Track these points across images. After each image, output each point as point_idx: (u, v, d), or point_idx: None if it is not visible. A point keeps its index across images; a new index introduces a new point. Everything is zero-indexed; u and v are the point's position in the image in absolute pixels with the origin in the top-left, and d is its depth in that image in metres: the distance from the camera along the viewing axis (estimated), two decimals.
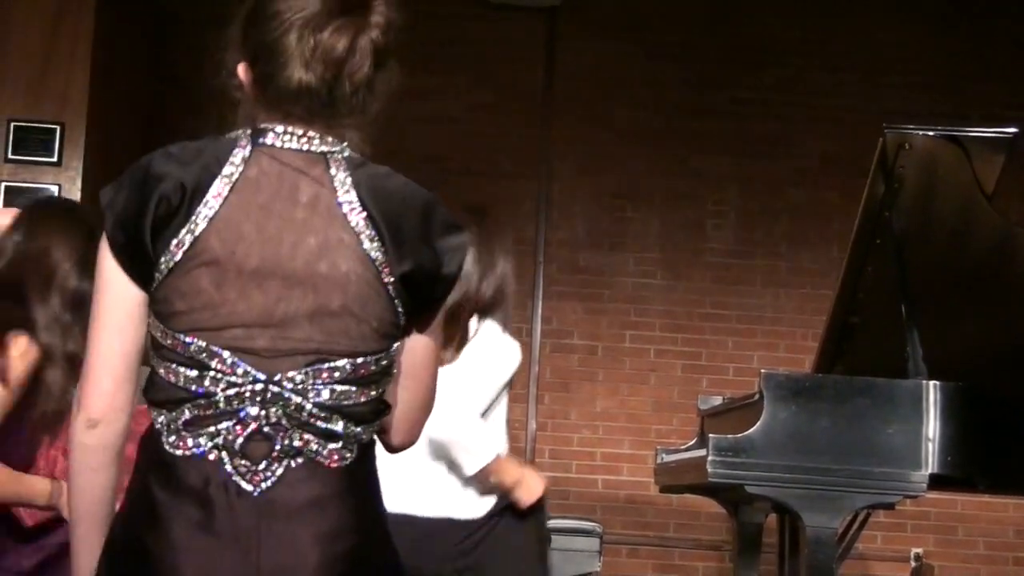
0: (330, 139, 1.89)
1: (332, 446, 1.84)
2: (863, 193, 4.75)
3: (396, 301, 1.85)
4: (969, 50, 7.69)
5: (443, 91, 7.43)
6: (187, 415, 1.83)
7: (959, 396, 4.41)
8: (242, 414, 1.81)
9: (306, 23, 1.82)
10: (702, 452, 4.65)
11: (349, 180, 1.86)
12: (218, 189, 1.82)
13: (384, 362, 1.89)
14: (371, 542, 1.87)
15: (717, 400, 5.48)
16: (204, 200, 1.80)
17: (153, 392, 1.86)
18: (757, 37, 7.77)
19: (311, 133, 1.88)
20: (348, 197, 1.84)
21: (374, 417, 1.90)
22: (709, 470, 4.41)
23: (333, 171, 1.86)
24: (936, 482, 4.39)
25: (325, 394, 1.83)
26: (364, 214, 1.84)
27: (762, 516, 5.26)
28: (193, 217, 1.80)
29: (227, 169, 1.83)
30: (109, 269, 1.85)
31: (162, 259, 1.81)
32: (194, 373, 1.82)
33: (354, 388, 1.85)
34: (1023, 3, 7.65)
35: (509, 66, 7.62)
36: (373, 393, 1.88)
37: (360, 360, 1.85)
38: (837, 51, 7.72)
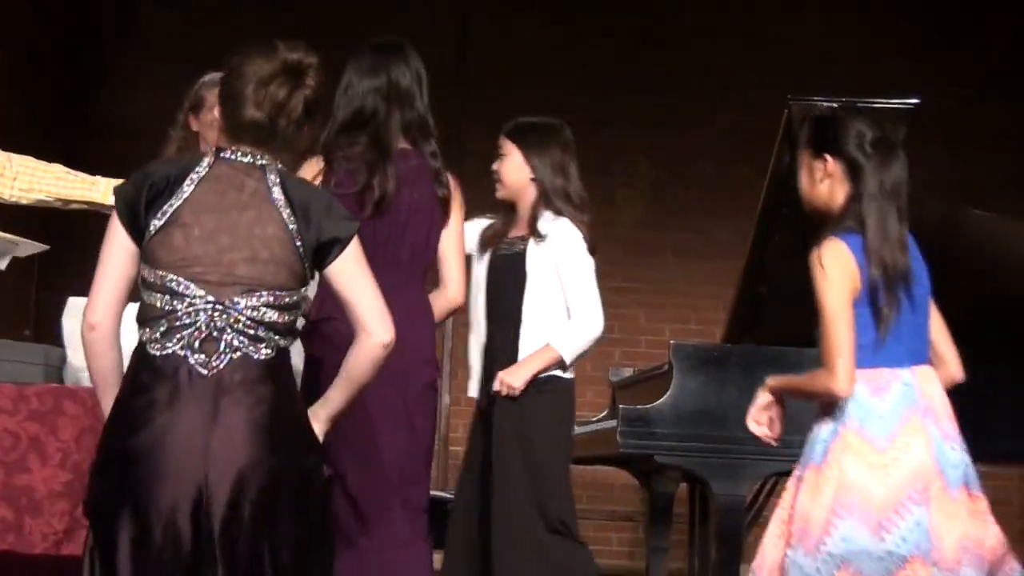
0: (267, 158, 2.87)
1: (259, 345, 2.78)
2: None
3: (304, 258, 2.83)
4: (882, 24, 7.77)
5: None
6: (163, 327, 2.77)
7: None
8: (199, 323, 2.76)
9: (261, 79, 2.82)
10: (612, 423, 4.68)
11: (278, 182, 2.85)
12: (191, 180, 2.82)
13: (296, 296, 2.84)
14: (284, 406, 2.79)
15: (628, 372, 5.51)
16: (181, 187, 2.81)
17: (141, 313, 2.80)
18: (668, 10, 7.80)
19: (255, 152, 2.86)
20: (276, 192, 2.83)
21: (287, 332, 2.84)
22: (619, 440, 4.44)
23: (268, 175, 2.85)
24: None
25: (254, 312, 2.78)
26: (286, 201, 2.83)
27: (674, 486, 5.31)
28: (174, 196, 2.80)
29: (198, 168, 2.84)
30: (115, 226, 2.83)
31: (152, 223, 2.79)
32: (168, 297, 2.77)
33: (275, 311, 2.80)
34: None
35: (422, 42, 7.55)
36: (288, 317, 2.83)
37: (279, 292, 2.81)
38: (748, 26, 7.77)
